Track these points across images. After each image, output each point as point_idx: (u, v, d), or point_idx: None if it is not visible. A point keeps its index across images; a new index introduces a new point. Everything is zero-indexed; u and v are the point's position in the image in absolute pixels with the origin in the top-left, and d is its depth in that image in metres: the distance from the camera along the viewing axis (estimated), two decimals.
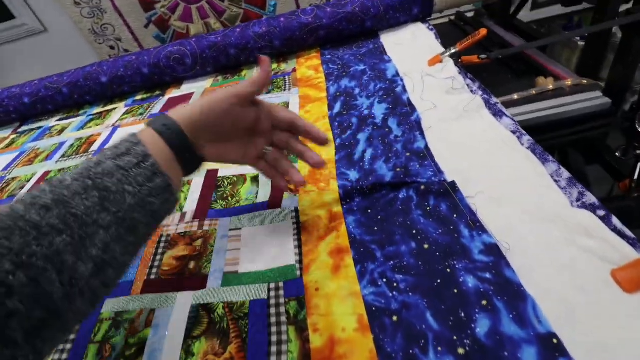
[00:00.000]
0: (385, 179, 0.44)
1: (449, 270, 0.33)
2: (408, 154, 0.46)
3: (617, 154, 0.79)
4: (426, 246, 0.35)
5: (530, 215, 0.34)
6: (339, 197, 0.44)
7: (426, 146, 0.47)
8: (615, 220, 0.32)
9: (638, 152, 0.71)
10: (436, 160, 0.44)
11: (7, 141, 0.83)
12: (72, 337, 0.37)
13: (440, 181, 0.40)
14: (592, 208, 0.33)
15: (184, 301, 0.37)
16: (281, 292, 0.36)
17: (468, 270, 0.33)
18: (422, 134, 0.49)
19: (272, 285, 0.37)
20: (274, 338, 0.33)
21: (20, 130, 0.87)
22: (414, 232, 0.37)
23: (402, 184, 0.42)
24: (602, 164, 0.83)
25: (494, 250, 0.33)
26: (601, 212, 0.33)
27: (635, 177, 0.70)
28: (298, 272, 0.38)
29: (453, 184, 0.39)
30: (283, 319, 0.34)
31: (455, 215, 0.37)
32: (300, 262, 0.39)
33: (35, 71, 1.21)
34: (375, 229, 0.39)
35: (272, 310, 0.35)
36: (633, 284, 0.29)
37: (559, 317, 0.28)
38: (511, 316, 0.29)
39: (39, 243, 0.22)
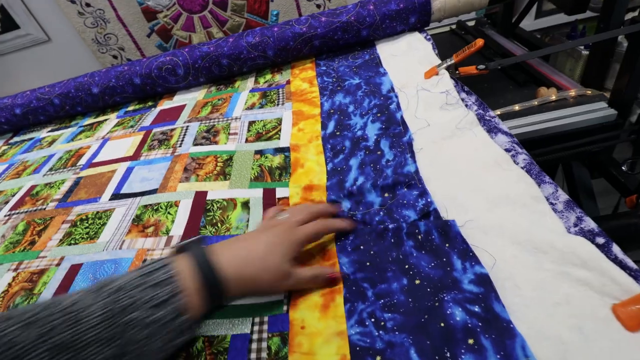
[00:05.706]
0: (374, 205, 0.42)
1: (437, 303, 0.31)
2: (397, 179, 0.44)
3: (623, 167, 0.76)
4: (417, 281, 0.34)
5: (522, 245, 0.32)
6: (333, 236, 0.42)
7: (416, 170, 0.45)
8: (615, 249, 0.30)
9: None
10: (426, 185, 0.42)
11: None
12: None
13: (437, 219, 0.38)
14: (590, 235, 0.31)
15: None
16: (265, 327, 0.34)
17: (456, 301, 0.30)
18: (412, 156, 0.47)
19: (257, 320, 0.35)
20: None
21: (12, 141, 0.85)
22: (406, 267, 0.35)
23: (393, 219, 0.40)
24: (608, 178, 0.80)
25: (484, 281, 0.31)
26: (600, 240, 0.30)
27: None
28: (285, 307, 0.36)
29: (450, 223, 0.37)
30: (264, 355, 0.32)
31: (447, 245, 0.35)
32: (289, 297, 0.37)
33: (38, 80, 1.21)
34: (368, 264, 0.37)
35: (254, 346, 0.33)
36: (637, 321, 0.26)
37: None
38: (498, 356, 0.26)
39: None
